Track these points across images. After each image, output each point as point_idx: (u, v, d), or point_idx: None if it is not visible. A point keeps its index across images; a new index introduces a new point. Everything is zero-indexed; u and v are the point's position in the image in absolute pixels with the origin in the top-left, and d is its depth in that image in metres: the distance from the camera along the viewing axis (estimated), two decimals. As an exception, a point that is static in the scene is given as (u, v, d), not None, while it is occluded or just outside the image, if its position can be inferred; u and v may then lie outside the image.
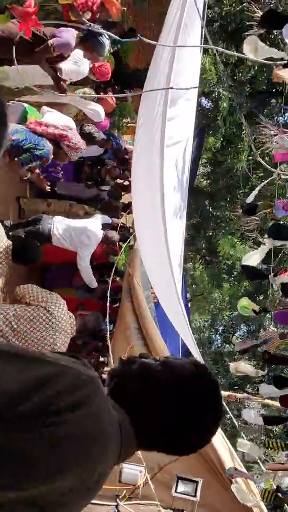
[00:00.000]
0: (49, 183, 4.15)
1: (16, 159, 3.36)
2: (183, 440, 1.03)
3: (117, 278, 6.12)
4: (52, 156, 3.52)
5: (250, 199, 2.24)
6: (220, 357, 9.54)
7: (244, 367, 2.64)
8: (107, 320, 4.67)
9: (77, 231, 4.59)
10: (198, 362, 1.06)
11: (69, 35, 3.53)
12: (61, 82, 3.83)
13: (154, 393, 1.01)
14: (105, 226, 5.00)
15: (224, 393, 3.56)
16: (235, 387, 9.74)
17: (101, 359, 5.51)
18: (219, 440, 2.93)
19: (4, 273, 3.42)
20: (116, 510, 2.60)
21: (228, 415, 3.26)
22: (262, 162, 2.13)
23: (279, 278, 2.13)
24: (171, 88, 2.35)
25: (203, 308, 13.61)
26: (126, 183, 6.51)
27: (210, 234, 7.99)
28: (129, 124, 8.04)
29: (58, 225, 4.53)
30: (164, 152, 3.12)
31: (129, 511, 2.62)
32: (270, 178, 2.25)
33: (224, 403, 3.34)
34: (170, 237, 3.40)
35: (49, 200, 5.42)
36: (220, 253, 7.44)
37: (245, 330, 10.28)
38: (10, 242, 3.44)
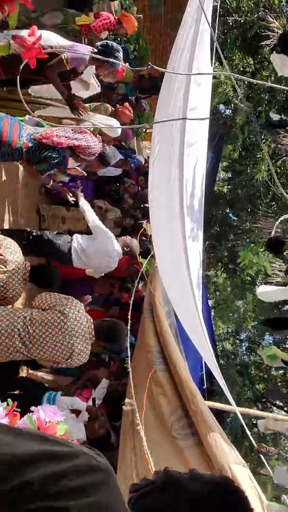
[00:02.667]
0: (71, 194, 4.14)
1: (34, 167, 3.33)
2: None
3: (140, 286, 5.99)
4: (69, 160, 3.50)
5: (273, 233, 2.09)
6: (245, 368, 9.29)
7: (274, 423, 2.45)
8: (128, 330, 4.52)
9: (96, 264, 4.43)
10: (227, 477, 1.00)
11: (84, 49, 3.46)
12: (75, 100, 3.79)
13: (181, 503, 0.91)
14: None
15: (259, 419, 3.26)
16: (263, 400, 9.48)
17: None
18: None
19: (21, 293, 3.34)
20: None
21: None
22: (278, 183, 1.98)
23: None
24: (184, 118, 2.23)
25: (227, 316, 13.32)
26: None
27: (231, 245, 7.80)
28: (147, 131, 8.33)
29: (76, 258, 4.36)
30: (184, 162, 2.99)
31: None
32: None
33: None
34: (189, 249, 3.25)
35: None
36: (241, 264, 7.25)
37: (271, 341, 10.01)
38: (29, 264, 3.36)
